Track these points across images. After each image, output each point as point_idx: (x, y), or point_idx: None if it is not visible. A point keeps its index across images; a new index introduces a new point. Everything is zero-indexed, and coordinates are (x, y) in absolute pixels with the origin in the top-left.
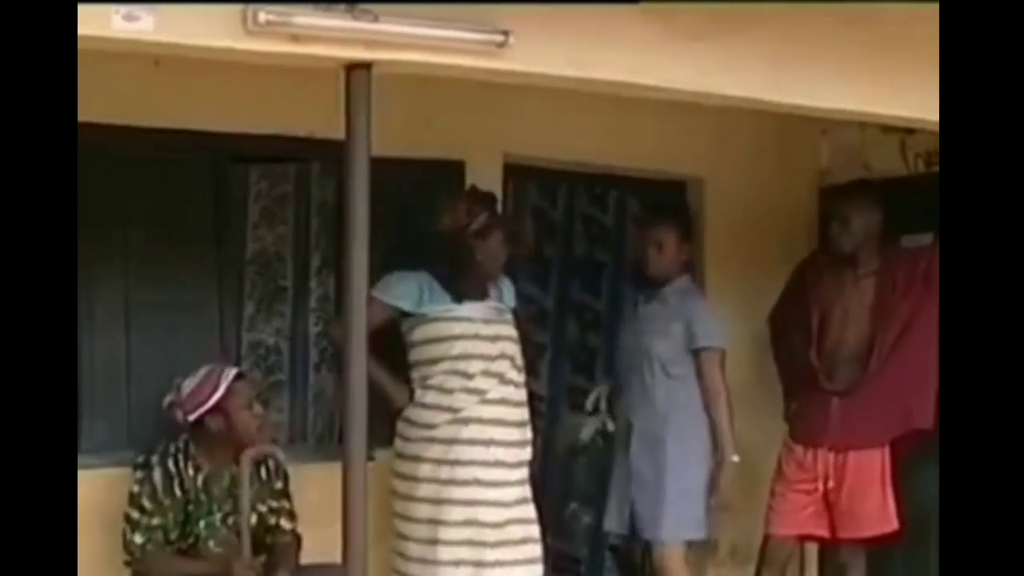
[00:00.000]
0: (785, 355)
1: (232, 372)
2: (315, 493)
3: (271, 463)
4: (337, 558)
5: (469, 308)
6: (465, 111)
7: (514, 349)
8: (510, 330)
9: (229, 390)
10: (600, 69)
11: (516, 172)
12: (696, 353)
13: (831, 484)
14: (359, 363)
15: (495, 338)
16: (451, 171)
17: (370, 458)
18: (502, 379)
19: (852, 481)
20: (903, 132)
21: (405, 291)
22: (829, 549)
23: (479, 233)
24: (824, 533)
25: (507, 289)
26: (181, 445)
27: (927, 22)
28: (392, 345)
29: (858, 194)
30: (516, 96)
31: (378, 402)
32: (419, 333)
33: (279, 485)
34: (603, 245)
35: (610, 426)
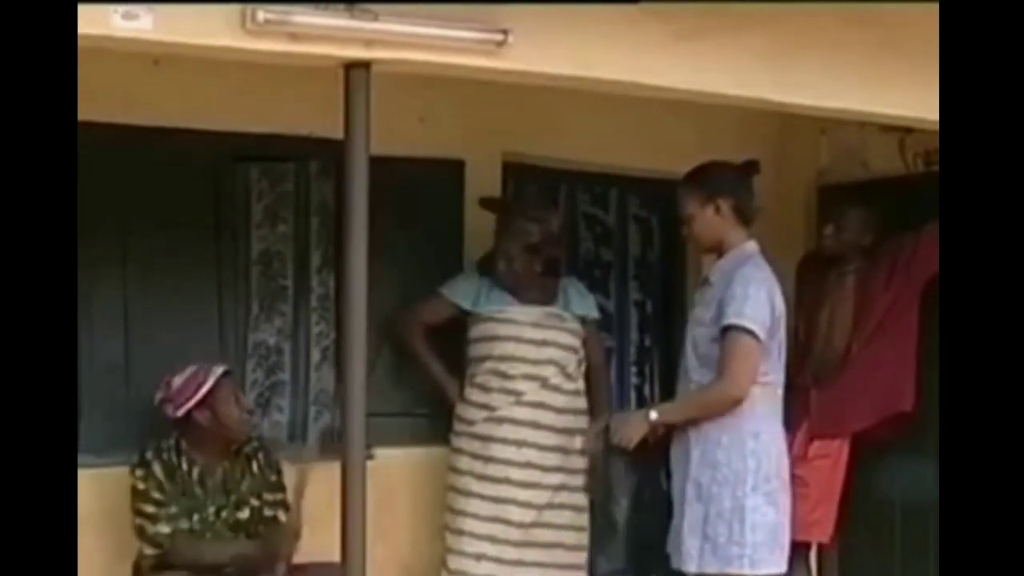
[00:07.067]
0: None
1: (220, 369)
2: (315, 493)
3: (261, 456)
4: (337, 558)
5: (521, 311)
6: (464, 110)
7: (566, 356)
8: (565, 337)
9: (216, 385)
10: (600, 69)
11: (516, 171)
12: (722, 335)
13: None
14: (359, 362)
15: (542, 343)
16: (451, 170)
17: (369, 457)
18: (545, 384)
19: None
20: (902, 132)
21: (465, 290)
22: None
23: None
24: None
25: (577, 297)
26: (172, 443)
27: (927, 22)
28: (454, 342)
29: (858, 200)
30: (516, 95)
31: (434, 395)
32: (473, 331)
33: (274, 478)
34: (607, 245)
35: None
